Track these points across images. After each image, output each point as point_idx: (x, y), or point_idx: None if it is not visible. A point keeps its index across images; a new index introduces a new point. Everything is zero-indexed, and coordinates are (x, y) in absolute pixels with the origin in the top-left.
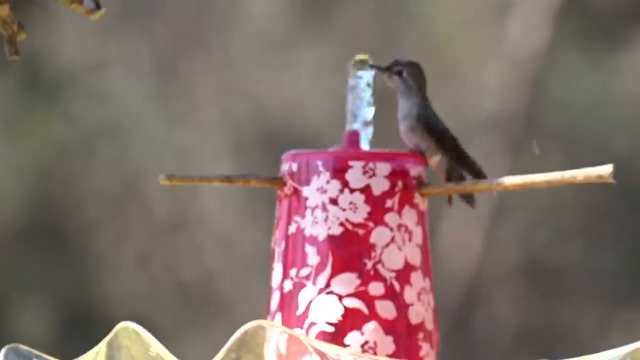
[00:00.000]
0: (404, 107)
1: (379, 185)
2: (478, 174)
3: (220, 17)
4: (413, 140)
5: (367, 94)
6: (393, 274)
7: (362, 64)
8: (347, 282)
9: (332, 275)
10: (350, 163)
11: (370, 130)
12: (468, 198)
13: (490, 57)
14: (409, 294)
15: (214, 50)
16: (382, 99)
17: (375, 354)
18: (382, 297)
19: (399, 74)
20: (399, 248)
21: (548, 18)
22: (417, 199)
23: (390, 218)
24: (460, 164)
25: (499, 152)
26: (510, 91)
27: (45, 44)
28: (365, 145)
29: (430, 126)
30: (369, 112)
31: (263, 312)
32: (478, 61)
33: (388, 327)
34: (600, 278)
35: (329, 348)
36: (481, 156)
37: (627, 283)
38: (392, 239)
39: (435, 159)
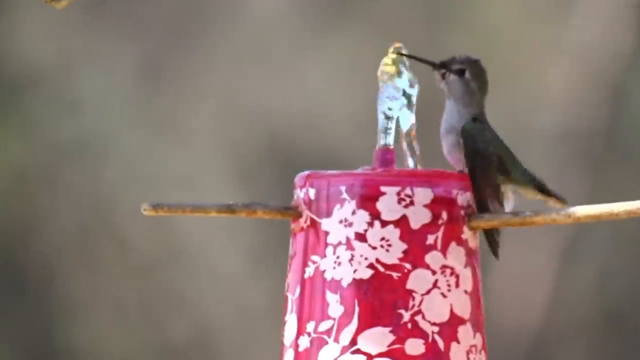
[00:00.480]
0: (453, 117)
1: (418, 217)
2: (488, 236)
3: (216, 10)
4: (459, 158)
5: (404, 100)
6: (436, 328)
7: (399, 55)
8: (378, 338)
9: (359, 330)
10: (382, 189)
11: (410, 146)
12: (492, 242)
13: (558, 60)
14: (456, 353)
15: (208, 50)
16: (423, 107)
17: None
18: (423, 357)
19: (460, 73)
20: (444, 295)
21: (629, 14)
22: (466, 234)
23: (432, 258)
24: (480, 206)
25: (569, 174)
26: (584, 100)
27: (1, 41)
28: (401, 166)
29: (474, 145)
30: (407, 123)
31: None
32: (542, 64)
33: None
34: None
35: None
36: (548, 179)
37: None
38: (435, 285)
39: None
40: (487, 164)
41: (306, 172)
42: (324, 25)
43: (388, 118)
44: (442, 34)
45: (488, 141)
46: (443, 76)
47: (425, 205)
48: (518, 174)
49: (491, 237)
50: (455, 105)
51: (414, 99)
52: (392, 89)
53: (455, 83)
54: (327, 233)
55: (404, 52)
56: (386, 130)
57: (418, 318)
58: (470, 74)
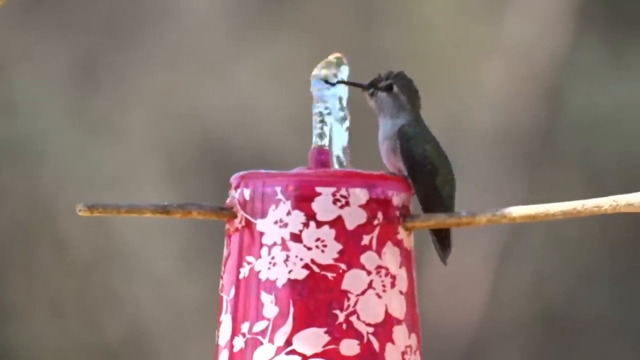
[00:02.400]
0: (387, 128)
1: (354, 217)
2: (441, 240)
3: (151, 12)
4: (395, 163)
5: (339, 103)
6: (371, 329)
7: (333, 68)
8: (313, 338)
9: (294, 331)
10: (318, 189)
11: (341, 146)
12: (442, 246)
13: (494, 59)
14: (391, 354)
15: (142, 50)
16: (358, 110)
17: None
18: (357, 358)
19: (388, 89)
20: (379, 296)
21: (567, 12)
22: (402, 234)
23: (367, 259)
24: (425, 207)
25: (506, 174)
26: (521, 100)
27: None
28: (336, 166)
29: (411, 148)
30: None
31: None
32: (478, 63)
33: None
34: (630, 328)
35: None
36: (485, 180)
37: None
38: (370, 285)
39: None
40: (423, 164)
41: (241, 173)
42: (257, 26)
43: (322, 119)
44: (377, 33)
45: (425, 141)
46: (372, 95)
47: (361, 206)
48: (442, 182)
49: (444, 240)
50: (389, 119)
51: (344, 102)
52: (327, 90)
53: (385, 99)
54: (262, 234)
55: (335, 80)
56: (321, 131)
57: (353, 318)
58: (398, 87)
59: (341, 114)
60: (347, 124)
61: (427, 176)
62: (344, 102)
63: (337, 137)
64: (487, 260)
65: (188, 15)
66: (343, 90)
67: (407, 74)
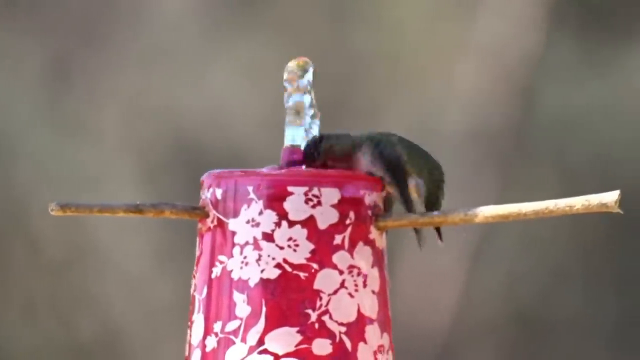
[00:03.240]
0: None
1: (326, 217)
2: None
3: (124, 11)
4: (364, 168)
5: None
6: (343, 328)
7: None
8: (285, 338)
9: (266, 330)
10: (290, 189)
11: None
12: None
13: (466, 59)
14: (364, 354)
15: (115, 50)
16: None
17: None
18: (330, 357)
19: (320, 141)
20: (351, 295)
21: (540, 12)
22: (374, 234)
23: (339, 258)
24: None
25: (479, 174)
26: (494, 100)
27: None
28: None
29: (382, 152)
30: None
31: None
32: (450, 63)
33: None
34: (603, 328)
35: None
36: (457, 180)
37: (635, 333)
38: (342, 284)
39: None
40: (398, 163)
41: (213, 172)
42: (230, 26)
43: (295, 117)
44: (349, 34)
45: (394, 143)
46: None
47: (333, 205)
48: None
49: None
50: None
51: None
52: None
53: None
54: (234, 233)
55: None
56: (293, 130)
57: (325, 318)
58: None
59: (311, 112)
60: (317, 122)
61: (402, 177)
62: (313, 101)
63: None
64: (460, 260)
65: (161, 15)
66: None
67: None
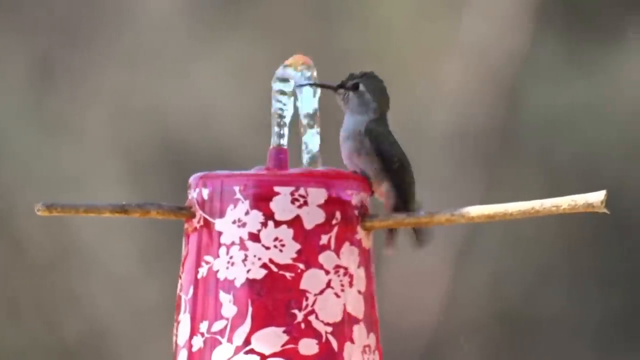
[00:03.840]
0: (349, 124)
1: (312, 217)
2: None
3: (109, 10)
4: (358, 164)
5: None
6: (329, 328)
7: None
8: (271, 338)
9: (252, 330)
10: (276, 189)
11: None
12: (419, 234)
13: (452, 59)
14: (350, 353)
15: (100, 50)
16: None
17: None
18: (316, 357)
19: (354, 88)
20: (337, 295)
21: (525, 12)
22: (360, 234)
23: (325, 258)
24: (402, 199)
25: (464, 174)
26: (480, 100)
27: None
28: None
29: (380, 145)
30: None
31: None
32: (436, 62)
33: None
34: (588, 328)
35: None
36: (443, 179)
37: (620, 333)
38: (328, 284)
39: (382, 188)
40: (391, 162)
41: (200, 173)
42: (216, 26)
43: (281, 118)
44: (336, 33)
45: (391, 142)
46: (344, 96)
47: (319, 206)
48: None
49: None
50: (352, 116)
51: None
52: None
53: (351, 97)
54: (220, 233)
55: (304, 82)
56: (280, 131)
57: (312, 318)
58: (364, 86)
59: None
60: (317, 128)
61: (398, 174)
62: (316, 105)
63: (309, 142)
64: (445, 260)
65: (146, 14)
66: (306, 94)
67: (378, 75)
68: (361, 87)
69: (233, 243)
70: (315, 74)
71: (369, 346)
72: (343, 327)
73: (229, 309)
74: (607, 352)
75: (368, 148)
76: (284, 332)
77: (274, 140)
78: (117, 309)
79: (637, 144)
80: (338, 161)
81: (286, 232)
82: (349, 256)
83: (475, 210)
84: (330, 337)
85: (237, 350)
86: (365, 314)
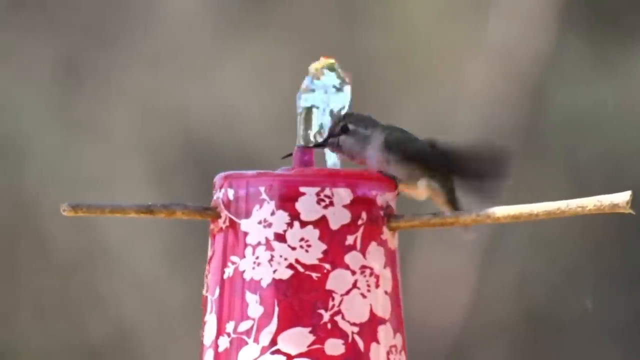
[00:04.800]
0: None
1: (338, 217)
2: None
3: (134, 10)
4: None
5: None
6: (355, 329)
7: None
8: (297, 338)
9: (278, 331)
10: (302, 189)
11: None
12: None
13: (477, 59)
14: (376, 353)
15: (125, 50)
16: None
17: None
18: (342, 357)
19: (344, 130)
20: (363, 296)
21: (550, 13)
22: (386, 234)
23: (351, 258)
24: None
25: None
26: (504, 100)
27: None
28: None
29: (407, 151)
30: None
31: None
32: (461, 62)
33: None
34: (614, 329)
35: None
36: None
37: None
38: (355, 285)
39: (422, 186)
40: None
41: (225, 173)
42: (241, 25)
43: (307, 118)
44: (360, 33)
45: (409, 139)
46: (336, 144)
47: (345, 206)
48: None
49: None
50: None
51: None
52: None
53: (347, 140)
54: (246, 234)
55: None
56: (305, 131)
57: (338, 318)
58: (353, 124)
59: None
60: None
61: (440, 155)
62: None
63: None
64: (471, 260)
65: (172, 15)
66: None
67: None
68: (350, 127)
69: (259, 243)
70: (340, 75)
71: (395, 346)
72: (369, 328)
73: (255, 309)
74: (633, 352)
75: (394, 157)
76: (310, 332)
77: (299, 141)
78: (143, 309)
79: None
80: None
81: (312, 233)
82: (375, 256)
83: (501, 211)
84: (357, 337)
85: (264, 351)
86: (392, 314)
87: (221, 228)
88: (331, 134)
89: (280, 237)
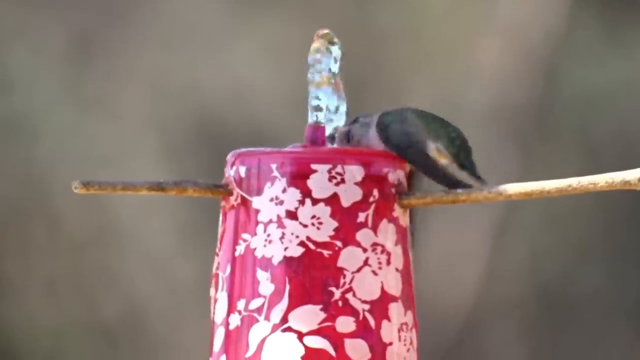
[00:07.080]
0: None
1: (349, 195)
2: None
3: None
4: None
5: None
6: (366, 306)
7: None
8: (308, 316)
9: (289, 308)
10: (313, 166)
11: (339, 124)
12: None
13: (489, 37)
14: (387, 331)
15: (138, 28)
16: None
17: None
18: (353, 335)
19: (346, 136)
20: (374, 273)
21: None
22: (397, 211)
23: (362, 236)
24: (432, 177)
25: (501, 151)
26: (516, 78)
27: None
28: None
29: (388, 134)
30: (336, 102)
31: (204, 355)
32: (473, 40)
33: None
34: (626, 307)
35: None
36: (480, 157)
37: None
38: (366, 262)
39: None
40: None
41: (237, 151)
42: (253, 3)
43: (318, 96)
44: (372, 11)
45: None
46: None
47: (356, 183)
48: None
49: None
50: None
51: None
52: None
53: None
54: (257, 211)
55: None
56: (317, 108)
57: (349, 296)
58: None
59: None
60: (344, 108)
61: (419, 153)
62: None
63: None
64: (483, 237)
65: None
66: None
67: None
68: (352, 131)
69: (270, 221)
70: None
71: (406, 324)
72: (380, 305)
73: (266, 287)
74: None
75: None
76: (321, 309)
77: (310, 118)
78: (155, 286)
79: None
80: None
81: (323, 210)
82: (386, 234)
83: (513, 188)
84: (368, 315)
85: (275, 328)
86: (403, 291)
87: (233, 205)
88: (347, 139)
89: (292, 215)
